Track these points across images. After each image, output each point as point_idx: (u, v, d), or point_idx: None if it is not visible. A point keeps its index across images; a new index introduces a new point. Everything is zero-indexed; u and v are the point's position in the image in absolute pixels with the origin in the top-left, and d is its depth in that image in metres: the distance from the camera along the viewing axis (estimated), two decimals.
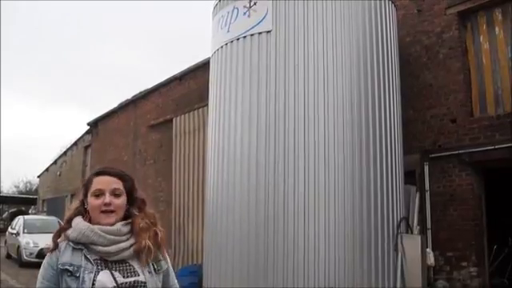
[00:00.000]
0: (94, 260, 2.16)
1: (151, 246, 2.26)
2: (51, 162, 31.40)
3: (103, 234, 2.18)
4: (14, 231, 18.13)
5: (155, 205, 15.09)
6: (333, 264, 6.65)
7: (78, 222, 2.22)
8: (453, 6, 8.90)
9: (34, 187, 46.88)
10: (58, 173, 28.72)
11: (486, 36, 8.70)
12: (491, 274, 8.63)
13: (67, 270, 2.13)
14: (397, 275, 7.17)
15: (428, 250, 8.05)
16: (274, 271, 6.68)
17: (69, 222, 2.26)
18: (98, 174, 2.32)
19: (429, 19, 9.28)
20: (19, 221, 18.92)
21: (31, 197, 40.62)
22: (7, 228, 21.08)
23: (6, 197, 42.38)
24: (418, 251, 7.35)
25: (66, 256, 2.16)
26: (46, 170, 32.28)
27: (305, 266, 6.62)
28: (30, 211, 37.76)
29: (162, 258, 2.36)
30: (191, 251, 12.63)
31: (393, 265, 7.19)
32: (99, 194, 2.24)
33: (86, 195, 2.30)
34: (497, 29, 8.56)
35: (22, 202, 42.87)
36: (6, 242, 19.76)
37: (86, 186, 2.31)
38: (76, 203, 2.35)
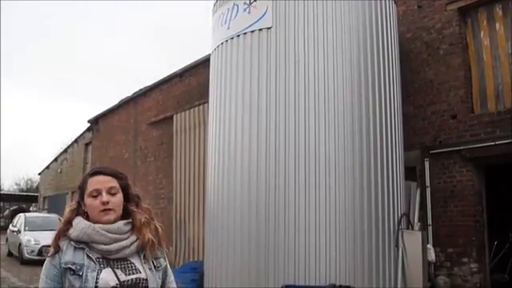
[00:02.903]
0: (96, 258, 2.19)
1: (154, 240, 2.31)
2: (52, 160, 31.42)
3: (105, 232, 2.21)
4: (16, 229, 18.15)
5: (156, 202, 15.13)
6: (333, 261, 6.66)
7: (79, 222, 2.25)
8: (453, 2, 8.89)
9: (35, 185, 46.91)
10: (59, 170, 28.75)
11: (486, 32, 8.69)
12: (492, 270, 8.65)
13: (70, 269, 2.14)
14: (398, 271, 7.18)
15: (429, 246, 8.05)
16: (275, 269, 6.69)
17: (69, 223, 2.27)
18: (93, 174, 2.34)
19: (429, 15, 9.27)
20: (20, 218, 18.92)
21: (32, 194, 40.66)
22: (8, 226, 21.11)
23: (7, 194, 42.37)
24: (419, 247, 7.35)
25: (68, 255, 2.18)
26: (47, 167, 32.31)
27: (306, 263, 6.63)
28: (31, 209, 37.77)
29: (160, 254, 2.39)
30: (192, 248, 12.66)
31: (394, 261, 7.19)
32: (96, 194, 2.26)
33: (82, 196, 2.32)
34: (497, 25, 8.55)
35: (22, 200, 42.81)
36: (7, 239, 19.78)
37: (82, 187, 2.33)
38: (72, 204, 2.37)
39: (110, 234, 2.21)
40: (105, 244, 2.20)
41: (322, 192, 6.79)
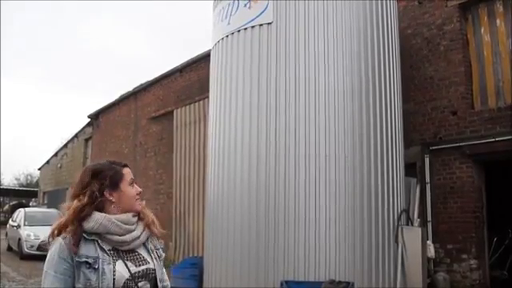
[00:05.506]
0: (108, 250, 2.16)
1: (155, 219, 2.40)
2: (52, 155, 31.36)
3: (119, 223, 2.20)
4: (15, 224, 18.14)
5: (156, 197, 15.15)
6: (333, 257, 6.67)
7: (93, 213, 2.20)
8: None
9: (35, 180, 46.90)
10: (59, 165, 28.72)
11: (486, 28, 8.68)
12: (491, 266, 8.65)
13: (86, 263, 2.08)
14: (397, 267, 7.18)
15: (428, 242, 8.06)
16: (275, 264, 6.70)
17: (82, 220, 2.16)
18: (124, 166, 2.39)
19: (430, 11, 9.25)
20: (20, 213, 18.90)
21: (32, 189, 40.66)
22: (8, 220, 21.11)
23: (7, 189, 42.31)
24: (419, 243, 7.35)
25: (81, 248, 2.11)
26: (47, 162, 32.26)
27: (305, 258, 6.64)
28: (30, 204, 37.80)
29: (159, 245, 2.42)
30: (192, 243, 12.67)
31: (393, 257, 7.20)
32: (132, 183, 2.34)
33: (114, 186, 2.26)
34: (498, 21, 8.53)
35: (22, 195, 42.85)
36: (6, 234, 19.77)
37: (115, 177, 2.29)
38: (83, 200, 2.20)
39: (123, 225, 2.21)
40: (119, 235, 2.20)
41: (321, 187, 6.79)
